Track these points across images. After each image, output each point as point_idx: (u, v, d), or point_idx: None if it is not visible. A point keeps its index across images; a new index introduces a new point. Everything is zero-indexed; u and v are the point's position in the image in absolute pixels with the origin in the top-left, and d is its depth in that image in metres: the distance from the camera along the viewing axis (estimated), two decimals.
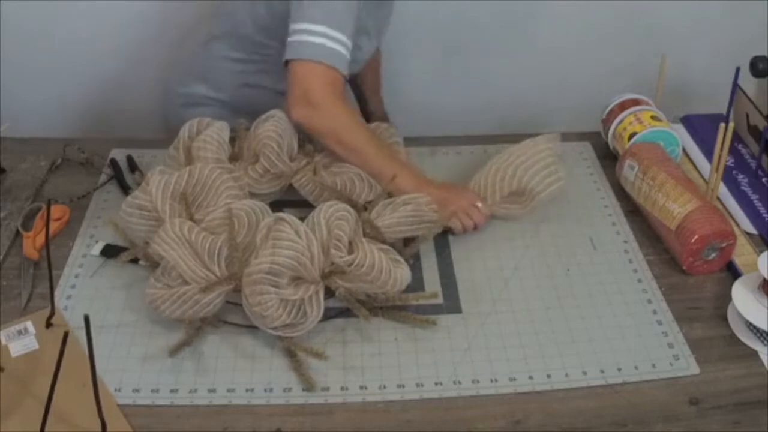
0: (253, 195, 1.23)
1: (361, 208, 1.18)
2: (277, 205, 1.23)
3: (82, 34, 1.77)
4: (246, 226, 1.10)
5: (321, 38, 1.22)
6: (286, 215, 1.08)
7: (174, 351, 1.01)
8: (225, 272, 1.06)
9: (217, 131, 1.25)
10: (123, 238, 1.15)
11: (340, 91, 1.24)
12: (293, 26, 1.23)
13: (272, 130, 1.24)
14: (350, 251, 1.07)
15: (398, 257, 1.11)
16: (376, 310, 1.08)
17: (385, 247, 1.11)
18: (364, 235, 1.12)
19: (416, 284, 1.13)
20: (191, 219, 1.13)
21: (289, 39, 1.23)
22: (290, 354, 1.02)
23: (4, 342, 1.03)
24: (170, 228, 1.07)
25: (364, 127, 1.27)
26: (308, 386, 0.99)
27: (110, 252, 1.16)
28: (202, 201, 1.16)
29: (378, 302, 1.08)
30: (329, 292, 1.07)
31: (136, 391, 0.99)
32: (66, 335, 0.84)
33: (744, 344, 1.07)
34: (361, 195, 1.22)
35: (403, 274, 1.08)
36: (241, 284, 1.04)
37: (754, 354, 1.06)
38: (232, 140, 1.28)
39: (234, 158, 1.27)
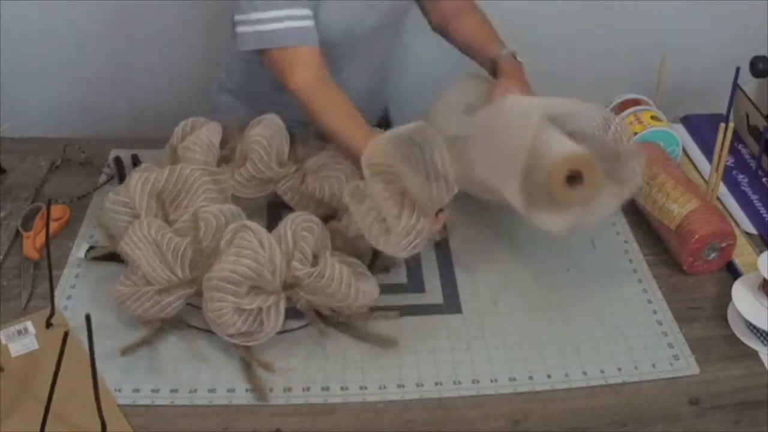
0: (238, 199, 1.21)
1: (340, 217, 1.15)
2: (276, 207, 1.23)
3: (82, 34, 1.77)
4: (214, 230, 1.09)
5: (252, 26, 1.20)
6: (252, 223, 1.06)
7: (129, 350, 1.01)
8: (188, 275, 1.05)
9: (208, 132, 1.24)
10: (105, 233, 1.14)
11: (304, 67, 1.19)
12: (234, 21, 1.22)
13: (260, 134, 1.22)
14: (316, 263, 1.05)
15: (365, 270, 1.09)
16: (342, 326, 1.07)
17: (351, 259, 1.09)
18: (335, 247, 1.10)
19: (416, 284, 1.13)
20: (166, 219, 1.12)
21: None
22: (244, 363, 1.01)
23: (4, 342, 1.03)
24: (138, 228, 1.07)
25: (335, 113, 1.19)
26: (259, 395, 0.98)
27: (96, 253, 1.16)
28: (181, 201, 1.15)
29: (342, 317, 1.06)
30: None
31: (136, 391, 0.99)
32: (66, 335, 0.84)
33: (744, 344, 1.07)
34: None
35: (367, 287, 1.06)
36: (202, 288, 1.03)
37: (754, 354, 1.06)
38: (225, 142, 1.28)
39: (225, 160, 1.26)
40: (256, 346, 1.02)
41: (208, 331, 1.05)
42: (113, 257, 1.12)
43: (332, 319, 1.06)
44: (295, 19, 1.19)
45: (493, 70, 1.30)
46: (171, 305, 1.04)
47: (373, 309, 1.08)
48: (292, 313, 1.06)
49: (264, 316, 1.02)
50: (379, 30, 1.35)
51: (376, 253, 1.14)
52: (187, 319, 1.07)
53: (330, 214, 1.19)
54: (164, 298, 1.03)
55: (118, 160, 1.35)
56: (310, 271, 1.03)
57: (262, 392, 0.98)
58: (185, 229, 1.09)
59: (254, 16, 1.19)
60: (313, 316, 1.04)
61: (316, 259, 1.05)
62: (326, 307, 1.06)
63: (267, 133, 1.23)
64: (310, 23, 1.21)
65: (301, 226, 1.08)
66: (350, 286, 1.04)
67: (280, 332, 1.04)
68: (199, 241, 1.07)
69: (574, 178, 1.05)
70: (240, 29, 1.20)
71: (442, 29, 1.43)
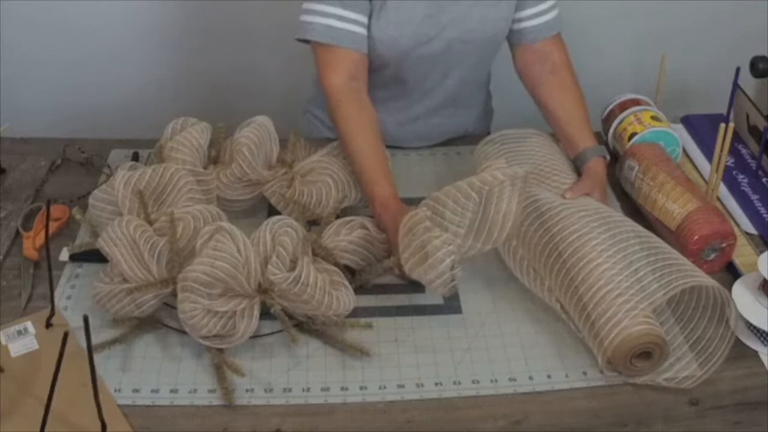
0: (224, 200, 1.22)
1: (325, 225, 1.15)
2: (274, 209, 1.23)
3: (82, 35, 1.77)
4: (191, 230, 1.09)
5: (306, 15, 1.23)
6: (229, 225, 1.06)
7: (101, 347, 1.01)
8: (164, 274, 1.05)
9: (196, 133, 1.24)
10: (88, 230, 1.15)
11: (337, 70, 1.22)
12: None
13: (247, 137, 1.22)
14: (293, 268, 1.04)
15: (344, 280, 1.08)
16: (316, 334, 1.06)
17: (330, 268, 1.09)
18: (315, 254, 1.10)
19: (416, 284, 1.13)
20: (147, 218, 1.12)
21: None
22: (215, 366, 1.01)
23: (4, 342, 1.03)
24: (117, 226, 1.07)
25: (357, 142, 1.20)
26: (227, 399, 0.97)
27: (80, 256, 1.16)
28: (164, 201, 1.15)
29: (316, 325, 1.05)
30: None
31: (136, 391, 0.99)
32: (66, 335, 0.84)
33: (744, 344, 1.06)
34: (336, 205, 1.20)
35: (342, 297, 1.05)
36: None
37: (754, 354, 1.06)
38: (214, 143, 1.27)
39: (214, 161, 1.26)
40: (230, 348, 1.02)
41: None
42: (102, 257, 1.11)
43: (306, 326, 1.06)
44: (342, 20, 1.21)
45: (576, 158, 1.29)
46: (146, 304, 1.03)
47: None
48: (272, 317, 1.05)
49: (237, 320, 1.01)
50: (445, 60, 1.32)
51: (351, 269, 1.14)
52: (169, 320, 1.07)
53: (314, 220, 1.18)
54: (139, 297, 1.02)
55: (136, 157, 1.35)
56: (286, 276, 1.01)
57: (229, 396, 0.97)
58: (164, 228, 1.09)
59: (308, 5, 1.23)
60: (286, 321, 1.03)
61: (293, 264, 1.04)
62: (301, 313, 1.05)
63: (255, 135, 1.22)
64: (357, 28, 1.23)
65: (281, 230, 1.07)
66: (325, 293, 1.03)
67: (254, 336, 1.04)
68: (175, 241, 1.07)
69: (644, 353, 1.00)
70: (300, 17, 1.24)
71: (526, 82, 1.38)
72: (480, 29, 1.29)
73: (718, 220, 1.15)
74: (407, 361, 1.04)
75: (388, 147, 1.25)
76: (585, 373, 1.02)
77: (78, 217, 1.15)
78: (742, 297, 1.08)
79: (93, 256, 1.12)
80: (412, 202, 1.17)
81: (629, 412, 0.98)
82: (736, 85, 1.38)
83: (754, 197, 1.32)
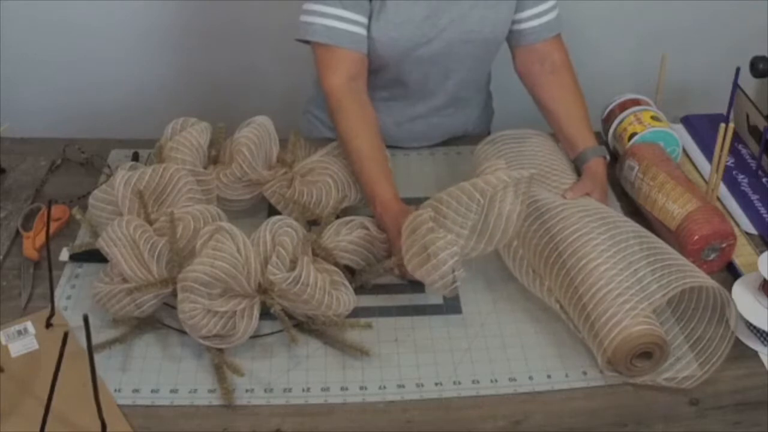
0: (224, 200, 1.21)
1: (325, 225, 1.15)
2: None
3: (82, 35, 1.77)
4: (191, 230, 1.09)
5: (306, 16, 1.23)
6: (229, 225, 1.06)
7: (101, 347, 1.01)
8: (164, 274, 1.05)
9: (196, 133, 1.24)
10: (88, 230, 1.15)
11: (338, 71, 1.22)
12: None
13: (247, 137, 1.22)
14: (293, 268, 1.03)
15: (344, 280, 1.08)
16: (316, 333, 1.06)
17: (330, 268, 1.09)
18: (315, 254, 1.10)
19: (417, 285, 1.13)
20: (147, 218, 1.12)
21: None
22: (215, 366, 1.00)
23: (4, 342, 1.03)
24: (117, 225, 1.07)
25: (357, 142, 1.20)
26: (226, 399, 0.97)
27: (80, 256, 1.16)
28: (164, 201, 1.15)
29: (316, 325, 1.05)
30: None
31: (136, 391, 0.99)
32: (66, 335, 0.84)
33: (744, 344, 1.06)
34: (336, 205, 1.20)
35: (342, 297, 1.05)
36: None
37: (754, 354, 1.06)
38: (214, 143, 1.27)
39: (214, 161, 1.26)
40: (230, 348, 1.02)
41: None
42: (102, 257, 1.11)
43: (306, 326, 1.06)
44: (342, 21, 1.22)
45: (576, 158, 1.29)
46: (146, 304, 1.03)
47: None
48: (272, 317, 1.05)
49: (237, 320, 1.01)
50: (445, 61, 1.32)
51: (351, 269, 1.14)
52: (169, 320, 1.07)
53: (314, 220, 1.18)
54: (139, 297, 1.02)
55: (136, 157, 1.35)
56: (285, 276, 1.02)
57: (229, 396, 0.97)
58: (164, 228, 1.09)
59: (308, 6, 1.24)
60: (286, 321, 1.03)
61: (293, 264, 1.04)
62: (301, 314, 1.05)
63: (255, 135, 1.22)
64: (356, 29, 1.23)
65: (281, 230, 1.07)
66: (325, 293, 1.03)
67: (254, 336, 1.04)
68: (175, 241, 1.07)
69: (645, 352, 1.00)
70: (300, 17, 1.24)
71: (526, 83, 1.38)
72: (479, 30, 1.29)
73: (718, 220, 1.15)
74: (407, 361, 1.04)
75: (388, 147, 1.26)
76: (585, 373, 1.02)
77: (78, 217, 1.15)
78: (742, 297, 1.08)
79: (93, 256, 1.12)
80: (412, 202, 1.18)
81: (629, 412, 0.98)
82: (736, 85, 1.39)
83: (754, 197, 1.32)
